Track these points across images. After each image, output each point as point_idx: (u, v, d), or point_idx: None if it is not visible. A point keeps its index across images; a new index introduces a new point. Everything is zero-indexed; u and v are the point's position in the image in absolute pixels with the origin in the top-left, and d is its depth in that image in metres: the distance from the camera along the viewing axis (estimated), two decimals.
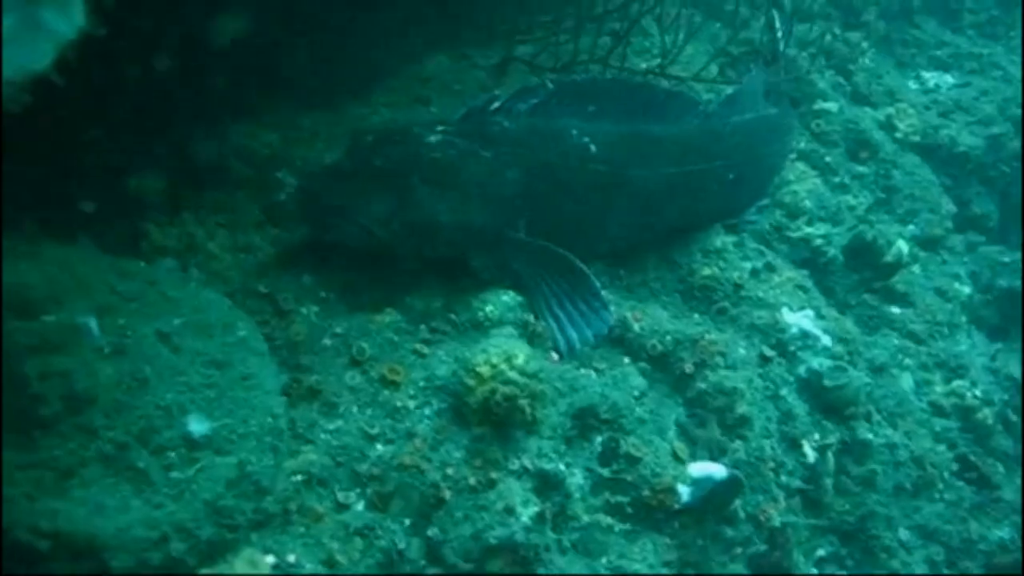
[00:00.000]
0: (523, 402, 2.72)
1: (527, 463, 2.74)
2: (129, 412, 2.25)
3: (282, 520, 2.43)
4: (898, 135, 4.70)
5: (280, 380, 2.65)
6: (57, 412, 2.15)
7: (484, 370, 2.73)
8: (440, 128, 3.16)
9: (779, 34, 4.32)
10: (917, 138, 4.72)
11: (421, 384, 2.83)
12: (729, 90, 4.08)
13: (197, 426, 2.32)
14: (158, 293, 2.55)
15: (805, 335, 3.54)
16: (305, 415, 2.70)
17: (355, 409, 2.76)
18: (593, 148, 3.32)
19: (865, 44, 4.62)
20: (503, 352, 2.76)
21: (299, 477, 2.54)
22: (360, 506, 2.59)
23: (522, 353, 2.77)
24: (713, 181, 3.66)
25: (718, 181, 3.67)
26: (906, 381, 4.00)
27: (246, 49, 3.46)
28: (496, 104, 3.25)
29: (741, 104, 3.89)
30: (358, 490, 2.60)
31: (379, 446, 2.68)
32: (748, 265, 3.67)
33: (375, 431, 2.70)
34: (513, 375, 2.73)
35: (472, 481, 2.65)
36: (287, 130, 3.54)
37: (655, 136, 3.50)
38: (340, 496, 2.57)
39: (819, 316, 3.65)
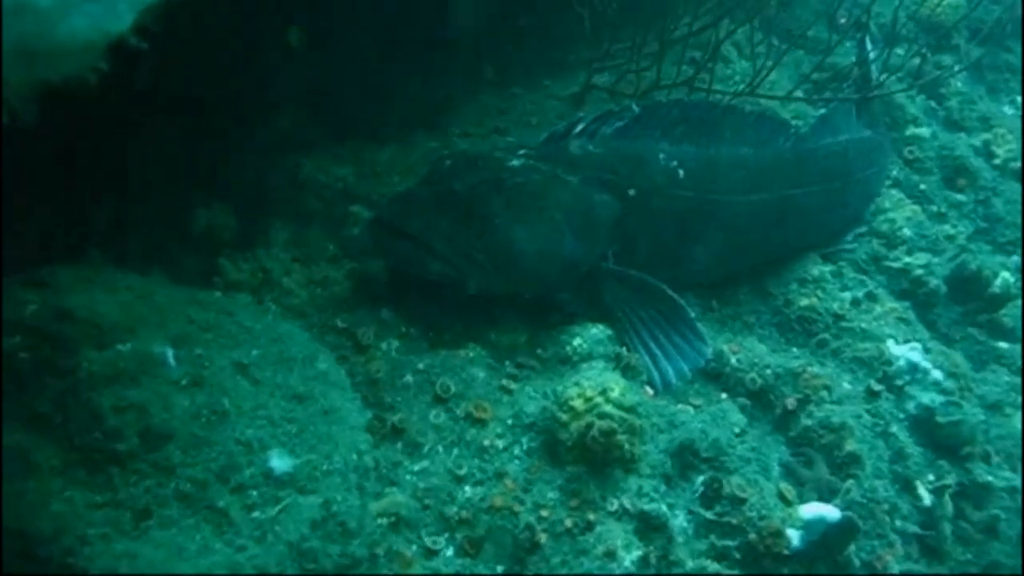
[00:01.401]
0: (622, 438, 2.53)
1: (627, 504, 2.53)
2: (208, 448, 2.10)
3: (369, 565, 2.24)
4: (997, 161, 4.45)
5: (364, 415, 2.49)
6: (133, 447, 2.01)
7: (578, 404, 2.55)
8: (522, 152, 3.03)
9: (871, 57, 4.14)
10: (1017, 164, 4.47)
11: (509, 422, 2.66)
12: (821, 112, 3.90)
13: (279, 463, 2.16)
14: (235, 323, 2.42)
15: (914, 368, 3.30)
16: (389, 455, 2.53)
17: (441, 449, 2.59)
18: (681, 173, 3.16)
19: (956, 67, 4.39)
20: (598, 384, 2.58)
21: (385, 520, 2.36)
22: (450, 551, 2.40)
23: (618, 386, 2.59)
24: (807, 206, 3.48)
25: (812, 206, 3.50)
26: (1020, 421, 3.71)
27: (318, 83, 3.39)
28: (580, 127, 3.11)
29: (833, 126, 3.71)
30: (447, 534, 2.42)
31: (468, 488, 2.50)
32: (848, 295, 3.47)
33: (463, 472, 2.52)
34: (609, 409, 2.55)
35: (568, 523, 2.45)
36: (359, 164, 3.44)
37: (745, 160, 3.34)
38: (428, 541, 2.38)
39: (926, 349, 3.40)
